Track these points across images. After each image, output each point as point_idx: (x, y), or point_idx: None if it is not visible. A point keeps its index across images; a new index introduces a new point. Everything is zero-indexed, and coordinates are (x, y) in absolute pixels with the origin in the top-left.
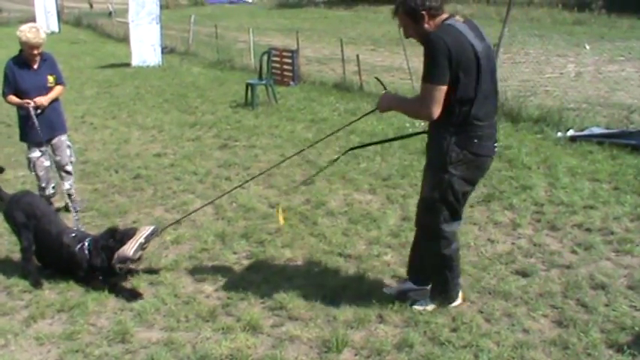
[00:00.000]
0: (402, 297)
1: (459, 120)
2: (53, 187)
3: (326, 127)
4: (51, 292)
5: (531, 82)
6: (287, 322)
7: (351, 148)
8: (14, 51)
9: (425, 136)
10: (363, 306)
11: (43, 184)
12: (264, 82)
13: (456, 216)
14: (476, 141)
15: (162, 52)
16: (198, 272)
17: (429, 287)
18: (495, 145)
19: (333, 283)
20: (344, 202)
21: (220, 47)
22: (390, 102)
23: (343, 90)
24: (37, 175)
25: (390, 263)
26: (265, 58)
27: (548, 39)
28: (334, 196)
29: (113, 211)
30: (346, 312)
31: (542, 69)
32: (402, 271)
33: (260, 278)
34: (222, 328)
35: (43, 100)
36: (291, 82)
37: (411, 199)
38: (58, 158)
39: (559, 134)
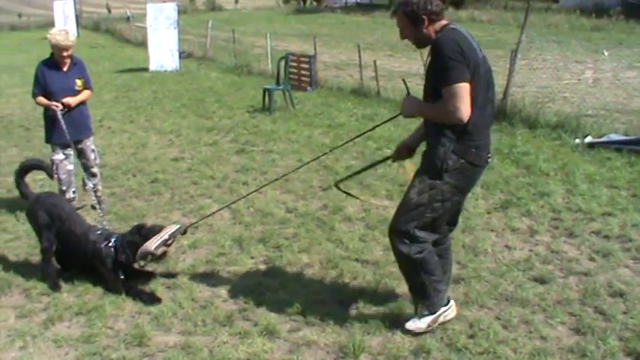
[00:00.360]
0: None
1: (460, 127)
2: (74, 192)
3: (343, 132)
4: (69, 295)
5: (549, 89)
6: (304, 327)
7: (339, 181)
8: (34, 55)
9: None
10: (380, 312)
11: (64, 188)
12: (281, 87)
13: (435, 226)
14: (473, 150)
15: (180, 57)
16: (215, 277)
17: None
18: (489, 155)
19: (350, 288)
20: (361, 208)
21: (238, 52)
22: (413, 107)
23: (361, 95)
24: (59, 179)
25: None
26: (283, 63)
27: (566, 45)
28: (352, 201)
29: (131, 215)
30: (363, 318)
31: (560, 75)
32: None
33: (277, 283)
34: (239, 333)
35: (70, 100)
36: (309, 88)
37: None
38: (84, 161)
39: (577, 141)
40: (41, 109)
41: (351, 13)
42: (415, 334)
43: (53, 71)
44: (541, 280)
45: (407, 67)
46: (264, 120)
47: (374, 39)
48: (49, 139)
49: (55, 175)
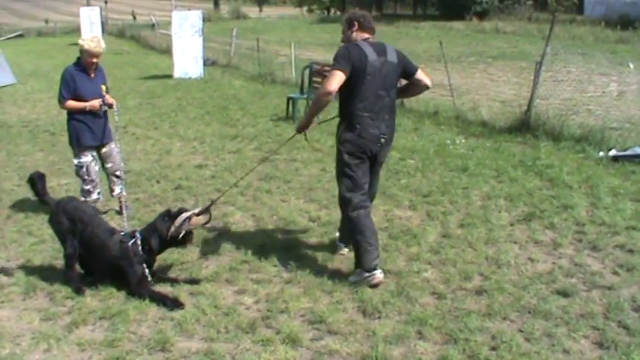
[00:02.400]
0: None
1: (347, 115)
2: (99, 193)
3: None
4: (93, 299)
5: (573, 101)
6: (326, 336)
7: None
8: (59, 61)
9: (465, 152)
10: (402, 322)
11: (90, 188)
12: (305, 96)
13: (356, 186)
14: (358, 127)
15: (204, 65)
16: (238, 284)
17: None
18: (382, 135)
19: (373, 298)
20: (384, 218)
21: (262, 61)
22: (301, 121)
23: None
24: (87, 180)
25: (430, 280)
26: (307, 72)
27: (590, 57)
28: (374, 211)
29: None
30: (386, 327)
31: (584, 87)
32: (442, 288)
33: (300, 291)
34: (262, 340)
35: (112, 100)
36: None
37: (452, 215)
38: (109, 165)
39: (601, 154)
40: (65, 114)
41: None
42: (355, 285)
43: (83, 76)
44: (564, 293)
45: (430, 78)
46: (288, 128)
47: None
48: (78, 143)
49: (81, 179)
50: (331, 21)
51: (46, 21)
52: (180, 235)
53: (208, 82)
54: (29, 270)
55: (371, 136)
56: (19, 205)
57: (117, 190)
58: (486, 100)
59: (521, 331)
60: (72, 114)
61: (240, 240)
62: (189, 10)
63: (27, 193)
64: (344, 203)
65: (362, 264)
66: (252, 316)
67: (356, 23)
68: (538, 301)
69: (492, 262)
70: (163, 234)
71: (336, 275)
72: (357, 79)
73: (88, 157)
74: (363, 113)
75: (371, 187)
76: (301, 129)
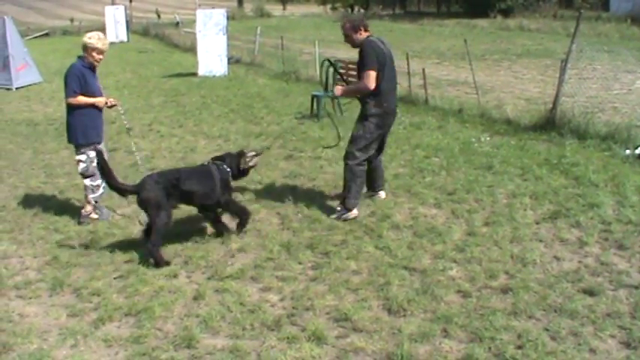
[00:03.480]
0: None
1: (376, 93)
2: (103, 187)
3: (390, 140)
4: (119, 296)
5: (599, 99)
6: (352, 333)
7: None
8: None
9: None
10: (427, 320)
11: (99, 182)
12: (329, 93)
13: (367, 148)
14: (385, 104)
15: (229, 63)
16: (263, 281)
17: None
18: (396, 106)
19: (398, 296)
20: (409, 216)
21: (285, 59)
22: (344, 90)
23: (409, 103)
24: (93, 176)
25: (455, 278)
26: (331, 70)
27: (616, 54)
28: (399, 209)
29: (179, 218)
30: (411, 325)
31: (610, 85)
32: (468, 286)
33: (325, 289)
34: (287, 338)
35: (116, 101)
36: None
37: (477, 214)
38: None
39: (627, 152)
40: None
41: (398, 20)
42: (338, 220)
43: (90, 73)
44: (590, 292)
45: (455, 76)
46: (312, 126)
47: (422, 47)
48: (85, 138)
49: (96, 172)
50: None
51: (71, 20)
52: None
53: (232, 79)
54: (56, 266)
55: (392, 111)
56: (46, 203)
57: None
58: (511, 97)
59: (547, 329)
60: (77, 110)
61: (265, 237)
62: (214, 8)
63: (53, 190)
64: (352, 157)
65: (348, 204)
66: (277, 313)
67: (362, 28)
68: (564, 300)
69: (518, 260)
70: (235, 167)
71: (362, 273)
72: (380, 66)
73: (92, 152)
74: (387, 93)
75: (381, 150)
76: (336, 95)
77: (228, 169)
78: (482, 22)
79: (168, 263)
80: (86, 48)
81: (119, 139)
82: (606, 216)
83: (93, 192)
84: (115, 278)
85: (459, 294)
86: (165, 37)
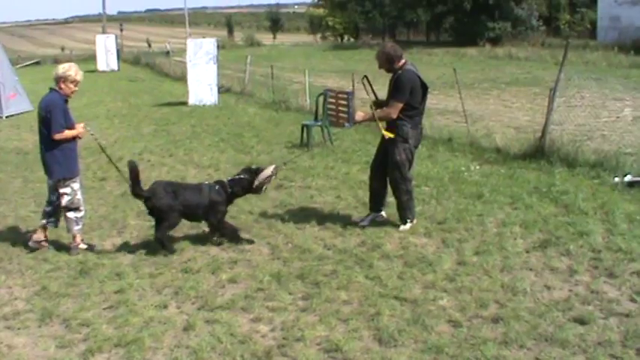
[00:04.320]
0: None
1: (412, 115)
2: (58, 220)
3: None
4: (108, 327)
5: (587, 126)
6: None
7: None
8: (78, 90)
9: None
10: (418, 350)
11: (82, 214)
12: (319, 123)
13: (411, 167)
14: (419, 125)
15: (219, 92)
16: (254, 312)
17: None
18: (422, 126)
19: (389, 326)
20: (399, 245)
21: (276, 88)
22: (368, 115)
23: None
24: (78, 208)
25: (446, 307)
26: (321, 99)
27: (604, 82)
28: (390, 238)
29: (170, 249)
30: (402, 356)
31: (598, 113)
32: (459, 316)
33: (315, 319)
34: None
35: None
36: (346, 124)
37: (467, 243)
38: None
39: (616, 179)
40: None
41: None
42: (405, 232)
43: (66, 105)
44: (581, 321)
45: (444, 105)
46: (302, 156)
47: None
48: (71, 171)
49: (81, 204)
50: (345, 48)
51: (62, 48)
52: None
53: (223, 109)
54: (45, 297)
55: (422, 132)
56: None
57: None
58: (500, 126)
59: (538, 359)
60: (59, 144)
61: (256, 267)
62: (204, 37)
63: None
64: (406, 181)
65: (412, 216)
66: (267, 344)
67: (402, 56)
68: (555, 329)
69: (508, 289)
70: (246, 185)
71: (352, 303)
72: (415, 94)
73: (77, 184)
74: (420, 117)
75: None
76: (357, 121)
77: (222, 192)
78: (471, 51)
79: (173, 250)
80: (64, 79)
81: (109, 169)
82: (596, 244)
83: (77, 224)
84: (104, 309)
85: (450, 324)
86: (155, 65)
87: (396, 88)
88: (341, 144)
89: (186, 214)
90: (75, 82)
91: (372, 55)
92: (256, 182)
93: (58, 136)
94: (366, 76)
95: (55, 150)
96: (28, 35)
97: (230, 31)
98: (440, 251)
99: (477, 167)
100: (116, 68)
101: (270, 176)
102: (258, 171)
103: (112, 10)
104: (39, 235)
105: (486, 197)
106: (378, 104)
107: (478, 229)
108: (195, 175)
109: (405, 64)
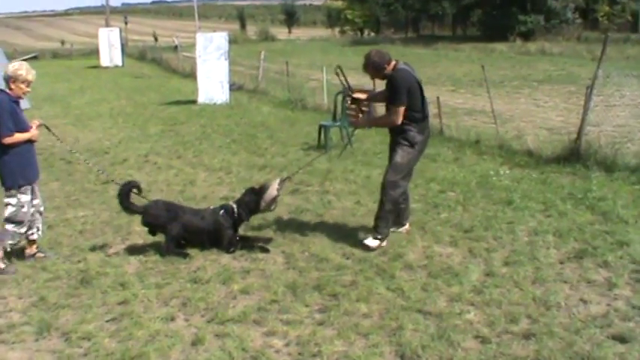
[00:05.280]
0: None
1: (418, 119)
2: (38, 229)
3: None
4: (111, 341)
5: (627, 127)
6: None
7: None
8: (76, 85)
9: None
10: None
11: (26, 230)
12: (338, 123)
13: (409, 175)
14: (426, 129)
15: (230, 90)
16: (267, 325)
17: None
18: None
19: (412, 341)
20: (423, 255)
21: (291, 85)
22: (369, 121)
23: None
24: (25, 222)
25: (473, 322)
26: (340, 98)
27: None
28: (413, 247)
29: (177, 259)
30: None
31: (639, 112)
32: (487, 331)
33: (333, 334)
34: None
35: (39, 121)
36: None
37: (496, 252)
38: (37, 201)
39: None
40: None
41: (411, 44)
42: (369, 249)
43: (17, 106)
44: (621, 339)
45: (471, 104)
46: (320, 158)
47: (436, 73)
48: (25, 178)
49: (28, 218)
50: (365, 43)
51: (62, 42)
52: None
53: (235, 108)
54: (43, 308)
55: (429, 136)
56: None
57: (41, 228)
58: (532, 127)
59: None
60: (12, 149)
61: (270, 278)
62: (215, 31)
63: (42, 225)
64: (395, 187)
65: (383, 233)
66: (282, 359)
67: (386, 64)
68: (592, 347)
69: (541, 303)
70: (252, 207)
71: (372, 316)
72: (415, 95)
73: (28, 196)
74: (426, 119)
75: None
76: (359, 125)
77: (226, 218)
78: (500, 46)
79: (185, 254)
80: (14, 79)
81: (112, 171)
82: (637, 255)
83: (12, 238)
84: (107, 321)
85: (478, 339)
86: (162, 61)
87: (391, 92)
88: (361, 145)
89: (188, 237)
90: (26, 82)
91: (394, 51)
92: (262, 204)
93: (8, 140)
94: (339, 66)
95: (6, 156)
96: (25, 27)
97: (242, 25)
98: (467, 261)
99: (507, 171)
100: (120, 64)
101: (276, 196)
102: (262, 190)
103: (115, 2)
104: (30, 250)
105: (517, 204)
106: (354, 100)
107: (508, 237)
108: (205, 179)
109: (396, 64)
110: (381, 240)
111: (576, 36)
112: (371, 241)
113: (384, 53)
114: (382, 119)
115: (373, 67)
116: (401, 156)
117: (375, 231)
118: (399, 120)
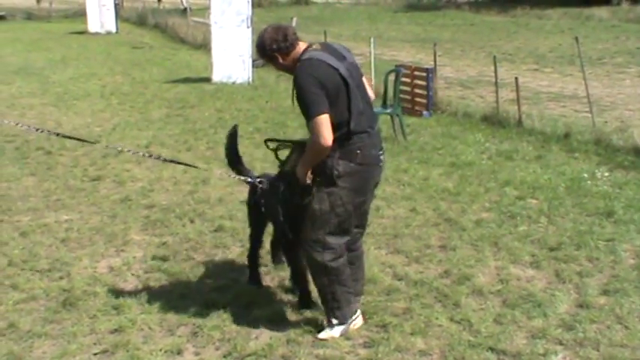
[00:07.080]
0: None
1: (341, 135)
2: None
3: (472, 174)
4: None
5: None
6: None
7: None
8: (57, 55)
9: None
10: None
11: None
12: (388, 110)
13: (344, 229)
14: (359, 152)
15: (254, 66)
16: None
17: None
18: (381, 152)
19: None
20: (496, 278)
21: None
22: (299, 170)
23: (495, 124)
24: None
25: None
26: (391, 78)
27: None
28: (483, 268)
29: (187, 274)
30: None
31: None
32: None
33: None
34: None
35: None
36: (425, 112)
37: (591, 278)
38: None
39: None
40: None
41: (482, 10)
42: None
43: None
44: None
45: (559, 87)
46: None
47: (514, 47)
48: None
49: None
50: (423, 9)
51: (38, 0)
52: None
53: (259, 89)
54: (13, 337)
55: (373, 159)
56: (1, 248)
57: None
58: None
59: None
60: None
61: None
62: None
63: (12, 231)
64: (320, 249)
65: (339, 316)
66: None
67: (294, 43)
68: None
69: None
70: None
71: (432, 354)
72: (337, 98)
73: None
74: (358, 133)
75: (363, 226)
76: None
77: None
78: (600, 12)
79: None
80: None
81: (104, 165)
82: None
83: None
84: (95, 354)
85: None
86: (168, 28)
87: (298, 98)
88: (417, 139)
89: None
90: None
91: (458, 18)
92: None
93: None
94: (266, 140)
95: None
96: None
97: None
98: (553, 288)
99: (606, 174)
100: (114, 30)
101: None
102: None
103: None
104: None
105: (619, 215)
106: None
107: (607, 259)
108: (222, 177)
109: (304, 52)
110: (341, 322)
111: None
112: (325, 333)
113: (280, 33)
114: (307, 154)
115: (264, 54)
116: (319, 200)
117: (328, 318)
118: (327, 135)
